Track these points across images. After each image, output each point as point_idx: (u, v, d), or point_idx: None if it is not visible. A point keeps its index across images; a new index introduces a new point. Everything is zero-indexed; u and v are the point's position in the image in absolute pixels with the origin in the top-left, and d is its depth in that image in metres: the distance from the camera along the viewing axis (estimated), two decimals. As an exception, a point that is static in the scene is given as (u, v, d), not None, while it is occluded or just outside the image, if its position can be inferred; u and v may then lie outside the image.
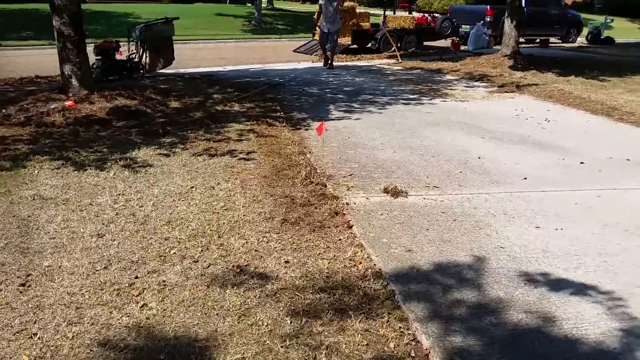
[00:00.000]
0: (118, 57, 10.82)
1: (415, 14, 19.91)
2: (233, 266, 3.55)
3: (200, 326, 2.92)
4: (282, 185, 5.06)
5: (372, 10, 19.21)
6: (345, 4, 17.01)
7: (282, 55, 16.71)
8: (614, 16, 26.96)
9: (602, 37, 21.77)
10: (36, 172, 5.27)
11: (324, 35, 13.35)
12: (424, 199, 4.91)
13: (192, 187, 4.94)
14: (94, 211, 4.38)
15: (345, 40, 17.01)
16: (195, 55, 16.21)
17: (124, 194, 4.73)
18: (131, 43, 11.09)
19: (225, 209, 4.46)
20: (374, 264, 3.65)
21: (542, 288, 3.44)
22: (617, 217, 4.60)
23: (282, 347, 2.77)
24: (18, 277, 3.37)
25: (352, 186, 5.18)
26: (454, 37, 18.53)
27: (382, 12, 18.16)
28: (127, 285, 3.30)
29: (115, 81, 10.18)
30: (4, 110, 7.53)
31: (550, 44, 19.92)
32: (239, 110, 8.27)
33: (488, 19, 18.72)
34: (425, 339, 2.87)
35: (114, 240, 3.88)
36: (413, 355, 2.78)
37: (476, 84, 11.31)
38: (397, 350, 2.80)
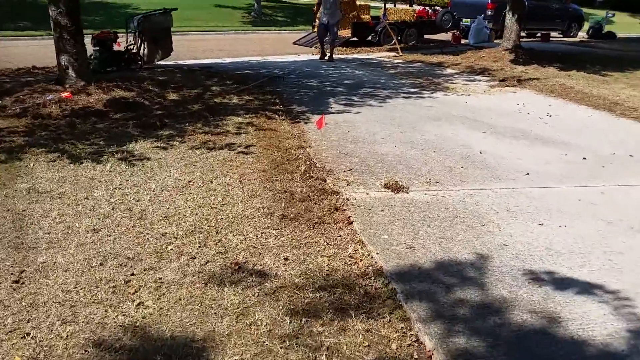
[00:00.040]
0: (116, 48, 10.71)
1: (416, 7, 19.74)
2: (231, 263, 3.48)
3: (198, 326, 2.85)
4: (281, 179, 4.98)
5: (372, 3, 19.06)
6: (346, -5, 16.89)
7: (282, 48, 16.58)
8: (615, 11, 26.79)
9: (603, 31, 21.64)
10: (32, 164, 5.19)
11: (323, 28, 13.21)
12: (425, 194, 4.84)
13: (190, 181, 4.86)
14: (90, 205, 4.30)
15: (345, 32, 16.88)
16: (194, 47, 16.07)
17: (120, 188, 4.66)
18: (129, 34, 10.97)
19: (223, 204, 4.38)
20: (375, 262, 3.58)
21: (547, 287, 3.37)
22: (622, 214, 4.53)
23: (281, 348, 2.70)
24: (12, 273, 3.30)
25: (352, 181, 5.11)
26: (455, 31, 18.40)
27: (383, 5, 18.01)
28: (123, 282, 3.22)
29: (113, 72, 10.07)
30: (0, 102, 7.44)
31: (551, 38, 19.80)
32: (237, 102, 8.18)
33: (489, 13, 18.59)
34: (428, 340, 2.80)
35: (110, 235, 3.81)
36: (416, 357, 2.72)
37: (477, 77, 11.22)
38: (400, 351, 2.73)
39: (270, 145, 5.99)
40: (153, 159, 5.42)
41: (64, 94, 7.56)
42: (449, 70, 12.11)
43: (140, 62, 10.88)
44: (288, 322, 2.90)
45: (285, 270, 3.42)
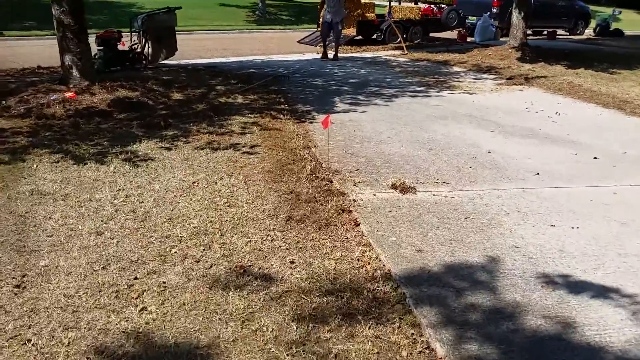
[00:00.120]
0: (120, 47, 10.66)
1: (421, 5, 19.63)
2: (236, 266, 3.40)
3: (202, 332, 2.77)
4: (286, 180, 4.90)
5: (377, 1, 18.95)
6: (350, -7, 16.80)
7: (287, 47, 16.51)
8: (622, 8, 26.61)
9: (610, 29, 21.48)
10: (35, 165, 5.13)
11: (326, 26, 13.12)
12: (434, 195, 4.75)
13: (194, 182, 4.78)
14: (93, 207, 4.23)
15: (350, 31, 16.79)
16: (199, 46, 16.02)
17: (124, 189, 4.59)
18: (133, 33, 10.92)
19: (228, 206, 4.31)
20: (383, 265, 3.50)
21: (561, 291, 3.28)
22: (635, 215, 4.44)
23: (287, 355, 2.62)
24: (13, 277, 3.23)
25: (359, 182, 5.03)
26: (461, 29, 18.29)
27: (388, 3, 17.91)
28: (126, 286, 3.15)
29: (118, 72, 10.02)
30: (3, 102, 7.38)
31: (557, 36, 19.65)
32: (242, 102, 8.11)
33: (495, 10, 18.47)
34: (440, 347, 2.72)
35: (113, 238, 3.74)
36: (427, 364, 2.64)
37: (484, 76, 11.11)
38: (410, 359, 2.65)
39: (275, 145, 5.91)
40: (157, 160, 5.35)
41: (68, 94, 7.51)
42: (455, 69, 12.01)
43: (144, 62, 10.82)
44: (295, 328, 2.82)
45: (291, 274, 3.34)
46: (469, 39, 17.68)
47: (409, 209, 4.44)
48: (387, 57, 13.96)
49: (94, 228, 3.87)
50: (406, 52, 14.75)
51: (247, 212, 4.22)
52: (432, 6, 18.90)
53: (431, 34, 18.25)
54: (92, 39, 8.90)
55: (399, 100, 8.64)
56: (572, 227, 4.17)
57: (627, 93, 9.28)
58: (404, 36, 16.24)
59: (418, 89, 9.61)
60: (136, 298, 3.04)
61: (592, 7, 23.53)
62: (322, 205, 4.40)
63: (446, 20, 18.00)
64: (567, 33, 21.21)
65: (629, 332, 2.89)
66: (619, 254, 3.77)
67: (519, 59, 12.79)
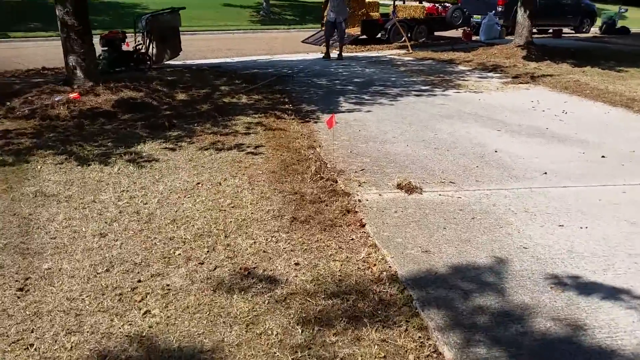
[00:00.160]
0: (125, 48, 10.64)
1: (426, 4, 19.55)
2: (240, 268, 3.36)
3: (206, 335, 2.73)
4: (291, 180, 4.86)
5: (381, 0, 18.89)
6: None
7: (291, 46, 16.48)
8: (628, 6, 26.45)
9: (616, 27, 21.35)
10: (39, 167, 5.10)
11: (330, 25, 13.07)
12: (440, 195, 4.70)
13: (199, 183, 4.75)
14: (97, 209, 4.20)
15: (355, 30, 16.75)
16: (203, 46, 16.01)
17: (128, 191, 4.56)
18: (138, 34, 10.90)
19: (232, 207, 4.27)
20: (389, 266, 3.45)
21: (570, 292, 3.23)
22: (645, 215, 4.37)
23: (293, 359, 2.58)
24: (16, 280, 3.20)
25: (364, 182, 4.98)
26: (465, 27, 18.21)
27: (392, 2, 17.85)
28: (129, 289, 3.11)
29: (122, 73, 10.01)
30: (8, 103, 7.37)
31: (563, 34, 19.55)
32: (246, 102, 8.07)
33: (500, 9, 18.41)
34: (448, 351, 2.67)
35: (117, 240, 3.70)
36: (434, 368, 2.59)
37: (489, 74, 11.05)
38: (418, 362, 2.60)
39: (279, 146, 5.87)
40: (161, 161, 5.32)
41: (72, 95, 7.49)
42: (461, 67, 11.95)
43: (148, 62, 10.81)
44: (300, 331, 2.77)
45: (296, 276, 3.30)
46: (474, 38, 17.62)
47: (415, 209, 4.40)
48: (392, 56, 13.92)
49: (97, 230, 3.84)
50: (411, 51, 14.70)
51: (252, 213, 4.18)
52: (437, 5, 18.84)
53: (436, 33, 18.20)
54: (96, 40, 8.90)
55: (404, 99, 8.59)
56: (581, 227, 4.12)
57: (635, 91, 9.19)
58: (409, 35, 16.19)
59: (423, 88, 9.56)
60: (140, 301, 3.00)
61: (598, 5, 23.40)
62: (327, 205, 4.35)
63: (451, 19, 17.94)
64: (573, 31, 21.10)
65: (641, 335, 2.84)
66: (629, 254, 3.71)
67: (524, 58, 12.72)
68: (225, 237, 3.78)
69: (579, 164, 5.59)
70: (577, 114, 7.71)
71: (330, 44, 13.68)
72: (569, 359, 2.65)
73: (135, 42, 10.86)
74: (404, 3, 19.34)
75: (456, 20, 18.08)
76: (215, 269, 3.36)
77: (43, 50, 13.95)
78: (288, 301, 3.03)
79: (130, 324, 2.80)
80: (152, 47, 10.91)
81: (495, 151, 5.91)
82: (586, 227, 4.12)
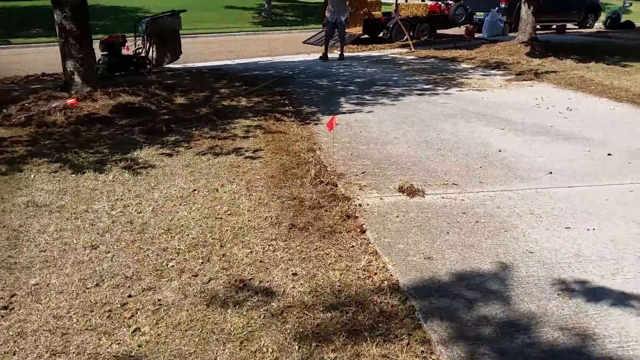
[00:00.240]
0: (125, 52, 10.55)
1: (428, 2, 19.41)
2: (236, 280, 3.24)
3: (198, 354, 2.60)
4: (290, 185, 4.74)
5: (383, -1, 18.77)
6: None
7: (292, 47, 16.36)
8: (632, 0, 26.22)
9: (621, 21, 21.13)
10: (32, 176, 5.00)
11: (331, 26, 12.94)
12: (443, 198, 4.57)
13: (195, 190, 4.63)
14: (90, 219, 4.09)
15: (357, 30, 16.62)
16: (204, 49, 15.91)
17: (122, 199, 4.44)
18: (138, 38, 10.81)
19: (228, 214, 4.15)
20: (391, 275, 3.32)
21: (578, 299, 3.10)
22: (654, 215, 4.23)
23: (288, 377, 2.47)
24: (1, 298, 3.08)
25: (365, 185, 4.86)
26: (468, 25, 18.05)
27: (394, 0, 17.70)
28: (119, 305, 2.99)
29: (122, 77, 9.92)
30: (4, 110, 7.28)
31: (567, 30, 19.35)
32: (246, 105, 7.96)
33: (503, 6, 18.23)
34: (451, 366, 2.55)
35: (109, 252, 3.59)
36: (437, 384, 2.46)
37: (493, 72, 10.90)
38: (419, 379, 2.48)
39: (279, 149, 5.76)
40: (158, 167, 5.21)
41: (70, 101, 7.40)
42: (464, 65, 11.81)
43: (148, 66, 10.71)
44: (296, 348, 2.64)
45: (293, 287, 3.17)
46: (476, 35, 17.45)
47: (417, 213, 4.27)
48: (394, 56, 13.78)
49: (89, 241, 3.73)
50: (413, 49, 14.55)
51: (249, 220, 4.06)
52: (439, 3, 18.68)
53: (438, 31, 18.04)
54: (96, 45, 8.80)
55: (406, 99, 8.46)
56: (588, 229, 3.98)
57: (641, 86, 9.03)
58: (411, 34, 16.05)
59: (425, 87, 9.43)
60: (129, 318, 2.88)
61: (601, 0, 23.18)
62: (326, 211, 4.23)
63: (454, 17, 17.78)
64: (577, 26, 20.89)
65: (654, 346, 2.70)
66: (639, 257, 3.57)
67: (528, 54, 12.56)
68: (221, 246, 3.66)
69: (585, 163, 5.45)
70: (582, 111, 7.56)
71: (330, 45, 13.54)
72: (578, 373, 2.53)
73: (136, 46, 10.77)
74: (406, 1, 19.21)
75: (459, 17, 17.92)
76: (209, 281, 3.24)
77: (44, 56, 13.89)
78: (285, 315, 2.91)
79: (118, 343, 2.68)
80: (152, 51, 10.82)
81: (499, 151, 5.78)
82: (593, 229, 3.98)
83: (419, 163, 5.44)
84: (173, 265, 3.41)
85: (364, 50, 15.19)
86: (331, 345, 2.65)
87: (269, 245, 3.68)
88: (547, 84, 9.53)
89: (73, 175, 5.02)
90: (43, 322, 2.85)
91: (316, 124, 6.97)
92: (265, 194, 4.57)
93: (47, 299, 3.06)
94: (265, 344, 2.67)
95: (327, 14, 13.01)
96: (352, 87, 9.49)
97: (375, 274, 3.33)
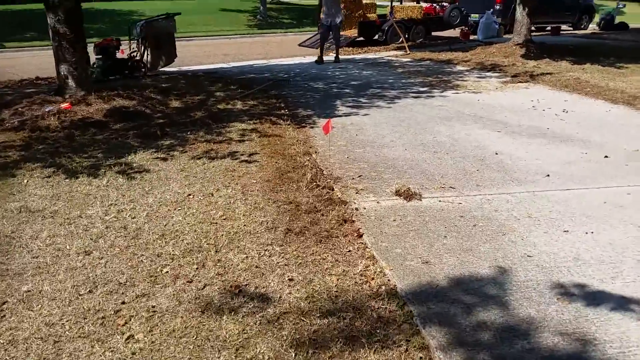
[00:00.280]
0: (119, 55, 10.50)
1: (423, 4, 19.42)
2: (231, 286, 3.19)
3: (192, 362, 2.57)
4: (286, 189, 4.70)
5: (378, 1, 18.75)
6: (351, -5, 16.64)
7: (288, 50, 16.34)
8: (625, 1, 26.28)
9: (615, 22, 21.18)
10: (25, 181, 4.95)
11: (325, 29, 12.91)
12: (440, 201, 4.54)
13: (190, 195, 4.59)
14: (83, 224, 4.04)
15: (352, 32, 16.61)
16: (199, 52, 15.88)
17: (116, 204, 4.40)
18: (132, 41, 10.76)
19: (224, 219, 4.11)
20: (388, 280, 3.29)
21: (578, 303, 3.06)
22: (653, 218, 4.20)
23: (285, 385, 2.42)
24: (-7, 305, 3.04)
25: (362, 189, 4.82)
26: (463, 27, 18.06)
27: (389, 3, 17.70)
28: (112, 312, 2.95)
29: (116, 81, 9.87)
30: (-3, 115, 7.23)
31: (561, 31, 19.38)
32: (241, 108, 7.92)
33: (497, 7, 18.25)
34: (450, 372, 2.51)
35: (102, 258, 3.54)
36: (436, 391, 2.43)
37: (488, 74, 10.88)
38: (418, 386, 2.44)
39: (274, 153, 5.72)
40: (152, 171, 5.17)
41: (63, 105, 7.34)
42: (459, 68, 11.79)
43: (143, 69, 10.67)
44: (293, 355, 2.60)
45: (289, 293, 3.13)
46: (471, 37, 17.46)
47: (414, 217, 4.23)
48: (390, 58, 13.76)
49: (82, 247, 3.68)
50: (408, 52, 14.55)
51: (244, 225, 4.02)
52: (434, 5, 18.69)
53: (434, 33, 18.04)
54: (90, 48, 8.75)
55: (402, 101, 8.43)
56: (587, 233, 3.95)
57: (637, 88, 9.02)
58: (406, 36, 16.04)
59: (421, 89, 9.40)
60: (123, 325, 2.83)
61: (595, 1, 23.23)
62: (323, 215, 4.19)
63: (448, 19, 17.79)
64: (571, 28, 20.94)
65: (656, 350, 2.67)
66: (638, 260, 3.54)
67: (523, 56, 12.55)
68: (216, 252, 3.62)
69: (582, 165, 5.43)
70: (578, 113, 7.54)
71: (326, 48, 13.51)
72: (579, 379, 2.49)
73: (130, 50, 10.72)
74: (401, 3, 19.22)
75: (454, 19, 17.93)
76: (204, 287, 3.19)
77: (38, 60, 13.84)
78: (281, 321, 2.86)
79: (112, 351, 2.64)
80: (147, 54, 10.77)
81: (496, 153, 5.75)
82: (592, 232, 3.95)
83: (416, 166, 5.41)
84: (167, 271, 3.37)
85: (360, 52, 15.17)
86: (328, 352, 2.61)
87: (265, 251, 3.64)
88: (543, 86, 9.52)
89: (67, 180, 4.97)
90: (35, 329, 2.80)
91: (312, 127, 6.94)
92: (261, 198, 4.52)
93: (39, 306, 3.01)
94: (261, 351, 2.63)
95: (321, 16, 12.98)
96: (347, 90, 9.46)
97: (373, 279, 3.30)
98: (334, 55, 13.31)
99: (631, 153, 5.80)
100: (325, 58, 13.22)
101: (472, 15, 18.45)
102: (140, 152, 5.75)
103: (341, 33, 14.33)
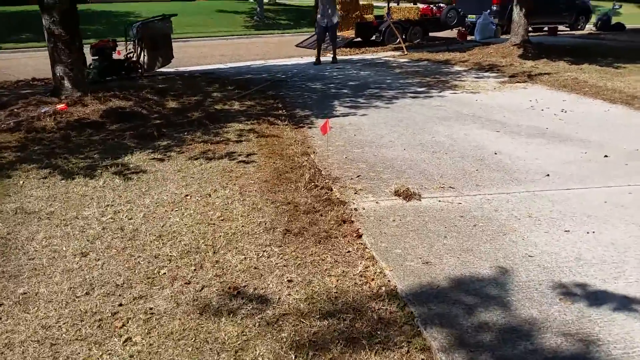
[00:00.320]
0: (116, 56, 10.46)
1: (420, 5, 19.43)
2: (229, 288, 3.15)
3: (191, 365, 2.53)
4: (284, 190, 4.66)
5: (375, 2, 18.75)
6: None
7: (285, 51, 16.31)
8: (622, 2, 26.34)
9: (612, 23, 21.22)
10: (21, 182, 4.90)
11: (322, 30, 12.88)
12: (439, 201, 4.50)
13: (187, 195, 4.55)
14: (79, 226, 3.99)
15: (349, 33, 16.59)
16: (196, 53, 15.83)
17: (112, 205, 4.35)
18: (129, 42, 10.72)
19: (221, 220, 4.07)
20: (388, 280, 3.25)
21: (580, 304, 3.03)
22: (654, 217, 4.17)
23: (285, 388, 2.38)
24: (-12, 308, 2.99)
25: (360, 189, 4.78)
26: (460, 27, 18.06)
27: (387, 3, 17.69)
28: (109, 314, 2.90)
29: (113, 82, 9.83)
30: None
31: (558, 32, 19.39)
32: (239, 108, 7.88)
33: (495, 8, 18.26)
34: (452, 374, 2.47)
35: (99, 259, 3.50)
36: (438, 394, 2.39)
37: (486, 74, 10.86)
38: (420, 388, 2.40)
39: (272, 153, 5.68)
40: (149, 172, 5.12)
41: (60, 106, 7.30)
42: (457, 68, 11.78)
43: (140, 70, 10.62)
44: (293, 357, 2.55)
45: (289, 295, 3.09)
46: (469, 38, 17.46)
47: (413, 217, 4.20)
48: (387, 58, 13.74)
49: (78, 249, 3.63)
50: (406, 52, 14.53)
51: (242, 226, 3.97)
52: (431, 6, 18.70)
53: (431, 34, 18.05)
54: (87, 49, 8.71)
55: (400, 101, 8.41)
56: (588, 232, 3.92)
57: (634, 87, 9.01)
58: (404, 37, 16.03)
59: (419, 89, 9.38)
60: (120, 327, 2.79)
61: (592, 2, 23.27)
62: (321, 216, 4.15)
63: (445, 20, 17.81)
64: (568, 28, 20.96)
65: (660, 351, 2.63)
66: (640, 260, 3.51)
67: (521, 56, 12.55)
68: (214, 253, 3.57)
69: (582, 165, 5.40)
70: (577, 113, 7.52)
71: (323, 48, 13.48)
72: (583, 380, 2.46)
73: (127, 51, 10.68)
74: (398, 4, 19.21)
75: (451, 20, 17.95)
76: (202, 289, 3.15)
77: (34, 61, 13.78)
78: (280, 323, 2.82)
79: (109, 354, 2.59)
80: (144, 55, 10.73)
81: (495, 153, 5.72)
82: (593, 232, 3.92)
83: (415, 166, 5.37)
84: (165, 273, 3.32)
85: (357, 53, 15.15)
86: (328, 354, 2.57)
87: (264, 251, 3.60)
88: (541, 86, 9.50)
89: (63, 181, 4.92)
90: (31, 332, 2.76)
91: (310, 128, 6.90)
92: (259, 198, 4.48)
93: (36, 308, 2.96)
94: (261, 354, 2.58)
95: (317, 17, 12.95)
96: (345, 90, 9.43)
97: (373, 279, 3.26)
98: (332, 55, 13.27)
99: (631, 152, 5.77)
100: (322, 59, 13.19)
101: (469, 15, 18.45)
102: (136, 152, 5.71)
103: (338, 34, 14.32)
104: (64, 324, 2.83)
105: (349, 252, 3.62)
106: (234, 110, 7.80)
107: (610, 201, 4.49)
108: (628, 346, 2.66)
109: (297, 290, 3.13)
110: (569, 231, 3.93)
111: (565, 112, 7.55)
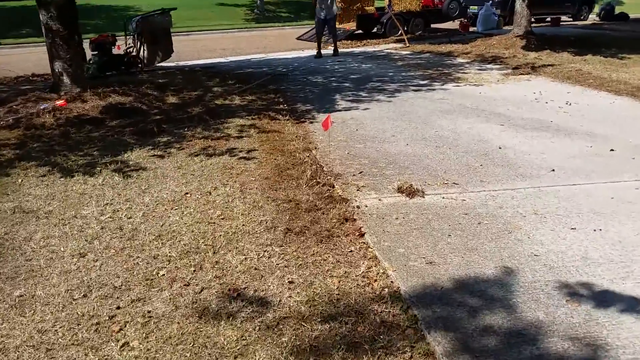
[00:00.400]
0: (116, 51, 10.39)
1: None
2: (229, 290, 3.09)
3: (189, 371, 2.47)
4: (285, 187, 4.59)
5: (377, -6, 18.62)
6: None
7: (286, 44, 16.21)
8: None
9: (614, 13, 21.05)
10: (20, 180, 4.85)
11: (321, 23, 12.78)
12: (443, 198, 4.43)
13: (187, 193, 4.48)
14: (78, 225, 3.93)
15: (350, 25, 16.47)
16: (197, 47, 15.74)
17: (111, 204, 4.29)
18: (128, 36, 10.64)
19: (222, 218, 4.00)
20: (391, 281, 3.18)
21: (588, 305, 2.96)
22: (662, 214, 4.10)
23: (286, 395, 2.32)
24: (-17, 312, 2.93)
25: (363, 186, 4.71)
26: (462, 19, 17.92)
27: (388, -5, 17.56)
28: (107, 318, 2.84)
29: (113, 77, 9.76)
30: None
31: (561, 22, 19.24)
32: (239, 103, 7.81)
33: (497, -1, 18.11)
34: (457, 380, 2.41)
35: (97, 260, 3.44)
36: (443, 400, 2.33)
37: (489, 66, 10.76)
38: (425, 396, 2.34)
39: (273, 149, 5.61)
40: (149, 169, 5.06)
41: (59, 102, 7.24)
42: (459, 60, 11.67)
43: (140, 65, 10.55)
44: (293, 363, 2.51)
45: (290, 297, 3.03)
46: (471, 29, 17.32)
47: (417, 214, 4.13)
48: (389, 51, 13.64)
49: (77, 249, 3.58)
50: (408, 44, 14.42)
51: (243, 225, 3.91)
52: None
53: (433, 25, 17.92)
54: (86, 44, 8.63)
55: (403, 95, 8.32)
56: (595, 230, 3.84)
57: (640, 79, 8.91)
58: (405, 28, 15.91)
59: (422, 82, 9.28)
60: (118, 331, 2.73)
61: (596, -8, 23.06)
62: (323, 214, 4.08)
63: (447, 11, 17.68)
64: (571, 19, 20.79)
65: (671, 355, 2.57)
66: (649, 259, 3.44)
67: (524, 48, 12.43)
68: (214, 253, 3.51)
69: (588, 159, 5.32)
70: (582, 105, 7.43)
71: (323, 41, 13.38)
72: (592, 386, 2.39)
73: (126, 45, 10.60)
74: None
75: (453, 11, 17.82)
76: (201, 291, 3.09)
77: (34, 57, 13.69)
78: (281, 327, 2.76)
79: (106, 359, 2.54)
80: (143, 50, 10.66)
81: (500, 148, 5.65)
82: (600, 230, 3.85)
83: (418, 162, 5.30)
84: (164, 274, 3.26)
85: (358, 46, 15.05)
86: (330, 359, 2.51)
87: (264, 251, 3.53)
88: (545, 78, 9.40)
89: (62, 179, 4.87)
90: (27, 337, 2.70)
91: (311, 122, 6.83)
92: (260, 196, 4.42)
93: (32, 311, 2.91)
94: (261, 359, 2.52)
95: (316, 9, 12.84)
96: (347, 84, 9.34)
97: (375, 280, 3.19)
98: (333, 48, 13.17)
99: (637, 146, 5.68)
100: (324, 52, 13.09)
101: (471, 7, 18.31)
102: (136, 149, 5.65)
103: (339, 26, 14.21)
104: (60, 328, 2.77)
105: (351, 251, 3.55)
106: (234, 105, 7.73)
107: (617, 197, 4.41)
108: (637, 351, 2.59)
109: (298, 292, 3.07)
110: (575, 229, 3.86)
111: (570, 104, 7.46)
